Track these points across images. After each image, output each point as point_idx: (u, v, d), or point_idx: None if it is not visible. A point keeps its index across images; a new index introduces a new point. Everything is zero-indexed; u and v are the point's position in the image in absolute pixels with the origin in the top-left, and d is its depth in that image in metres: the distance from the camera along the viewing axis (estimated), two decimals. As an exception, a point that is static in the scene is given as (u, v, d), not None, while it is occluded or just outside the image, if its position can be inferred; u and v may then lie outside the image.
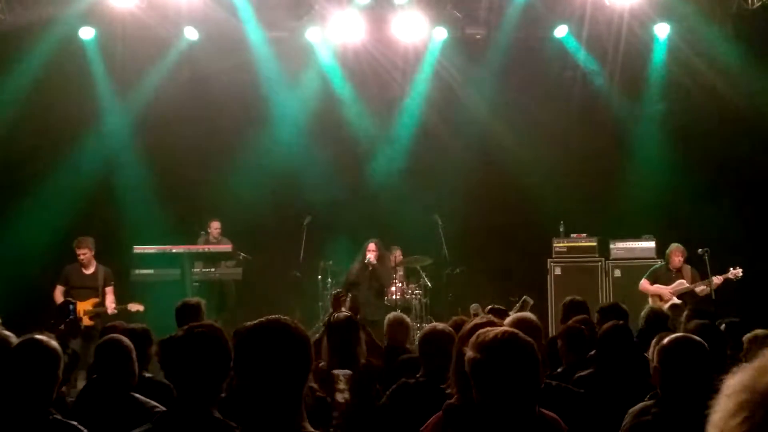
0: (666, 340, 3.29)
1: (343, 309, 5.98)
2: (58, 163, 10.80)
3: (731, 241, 10.02)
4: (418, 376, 4.11)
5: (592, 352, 4.88)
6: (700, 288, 9.21)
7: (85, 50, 10.98)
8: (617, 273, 10.48)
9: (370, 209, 11.21)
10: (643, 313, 5.72)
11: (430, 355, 4.06)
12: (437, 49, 11.38)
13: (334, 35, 11.05)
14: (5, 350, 3.22)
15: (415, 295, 10.37)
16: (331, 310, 5.86)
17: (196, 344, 2.66)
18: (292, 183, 11.41)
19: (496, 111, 11.46)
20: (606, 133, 11.36)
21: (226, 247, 9.85)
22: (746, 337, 5.02)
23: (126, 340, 3.93)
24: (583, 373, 4.55)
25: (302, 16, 10.93)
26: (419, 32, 11.00)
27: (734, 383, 1.25)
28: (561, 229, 10.83)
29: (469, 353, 2.55)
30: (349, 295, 8.63)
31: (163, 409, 3.25)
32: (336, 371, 4.62)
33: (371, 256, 9.82)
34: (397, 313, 6.75)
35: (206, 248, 9.84)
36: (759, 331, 4.97)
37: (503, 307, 6.15)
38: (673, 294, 9.30)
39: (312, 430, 2.22)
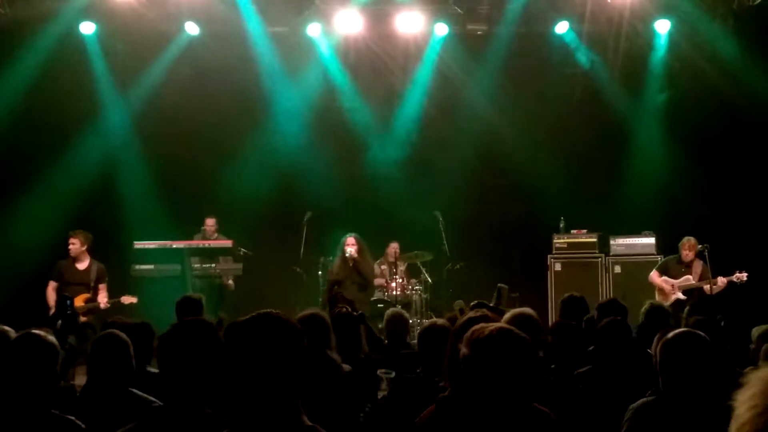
0: (669, 335, 3.28)
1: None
2: (58, 158, 10.79)
3: (732, 237, 10.01)
4: (417, 371, 4.12)
5: (591, 348, 4.88)
6: (707, 286, 9.09)
7: (86, 45, 10.96)
8: (617, 269, 10.47)
9: (371, 205, 11.20)
10: (643, 309, 5.72)
11: (429, 350, 4.06)
12: (438, 45, 11.36)
13: (336, 30, 11.03)
14: (4, 344, 3.22)
15: (416, 290, 10.36)
16: (328, 307, 5.85)
17: (185, 339, 2.65)
18: (293, 178, 11.39)
19: (497, 107, 11.44)
20: (607, 129, 11.36)
21: (227, 243, 9.84)
22: (755, 333, 5.01)
23: (123, 334, 3.91)
24: (581, 370, 4.55)
25: (303, 11, 10.92)
26: (420, 28, 10.98)
27: (758, 377, 1.25)
28: (561, 225, 10.84)
29: (464, 350, 2.54)
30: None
31: (161, 404, 3.25)
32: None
33: (351, 249, 9.75)
34: (396, 308, 6.75)
35: (207, 244, 9.83)
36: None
37: (485, 301, 6.09)
38: (677, 288, 9.27)
39: (310, 423, 2.22)
